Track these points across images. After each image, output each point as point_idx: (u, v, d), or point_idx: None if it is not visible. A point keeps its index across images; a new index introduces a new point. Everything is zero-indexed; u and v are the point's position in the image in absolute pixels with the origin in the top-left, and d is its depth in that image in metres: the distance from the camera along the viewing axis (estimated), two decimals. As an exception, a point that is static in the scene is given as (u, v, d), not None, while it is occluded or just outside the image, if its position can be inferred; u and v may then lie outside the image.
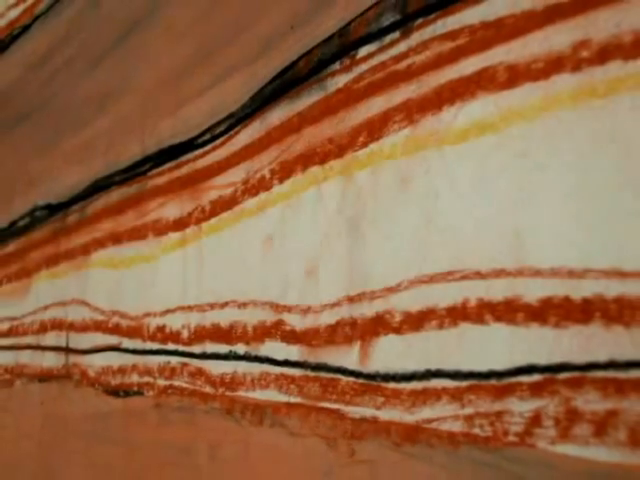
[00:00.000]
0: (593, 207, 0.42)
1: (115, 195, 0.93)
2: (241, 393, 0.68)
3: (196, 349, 0.75)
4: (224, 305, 0.71)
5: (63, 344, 0.99)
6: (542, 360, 0.44)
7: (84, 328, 0.95)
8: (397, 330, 0.53)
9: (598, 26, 0.43)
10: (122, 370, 0.87)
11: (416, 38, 0.55)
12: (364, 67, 0.59)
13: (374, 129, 0.57)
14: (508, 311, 0.46)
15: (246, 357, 0.68)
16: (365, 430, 0.55)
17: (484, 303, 0.47)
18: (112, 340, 0.89)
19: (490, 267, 0.47)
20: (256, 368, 0.66)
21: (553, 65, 0.45)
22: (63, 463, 0.97)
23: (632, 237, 0.40)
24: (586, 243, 0.42)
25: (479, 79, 0.49)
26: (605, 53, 0.43)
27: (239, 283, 0.70)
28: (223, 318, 0.71)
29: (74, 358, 0.97)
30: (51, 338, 1.03)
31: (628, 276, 0.40)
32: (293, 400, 0.62)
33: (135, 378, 0.84)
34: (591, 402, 0.41)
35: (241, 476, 0.67)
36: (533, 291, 0.45)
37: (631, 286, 0.40)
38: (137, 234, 0.87)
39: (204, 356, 0.73)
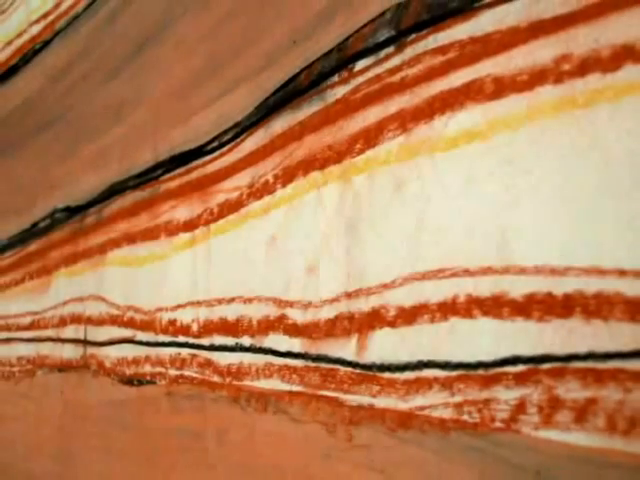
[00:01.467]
0: (574, 209, 0.42)
1: (129, 198, 0.93)
2: (247, 382, 0.68)
3: (205, 341, 0.75)
4: (231, 300, 0.71)
5: (81, 337, 0.99)
6: (526, 351, 0.44)
7: (101, 322, 0.95)
8: (392, 324, 0.53)
9: (578, 41, 0.43)
10: (136, 361, 0.87)
11: (409, 52, 0.55)
12: (361, 79, 0.59)
13: (370, 137, 0.57)
14: (495, 306, 0.46)
15: (251, 349, 0.68)
16: (362, 417, 0.55)
17: (472, 299, 0.47)
18: (127, 333, 0.89)
19: (478, 265, 0.47)
20: (260, 359, 0.66)
21: (537, 77, 0.45)
22: (81, 446, 0.97)
23: (610, 237, 0.40)
24: (567, 243, 0.42)
25: (468, 90, 0.49)
26: (585, 66, 0.43)
27: (245, 280, 0.70)
28: (230, 312, 0.71)
29: (91, 350, 0.97)
30: (70, 331, 1.02)
31: (607, 273, 0.40)
32: (295, 389, 0.62)
33: (148, 368, 0.84)
34: (572, 391, 0.41)
35: (246, 459, 0.67)
36: (518, 287, 0.45)
37: (609, 283, 0.40)
38: (150, 234, 0.87)
39: (212, 348, 0.73)
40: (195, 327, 0.76)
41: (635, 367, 0.39)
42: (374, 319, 0.54)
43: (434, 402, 0.49)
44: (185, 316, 0.78)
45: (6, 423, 1.18)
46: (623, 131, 0.40)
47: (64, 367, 1.03)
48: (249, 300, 0.69)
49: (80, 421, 0.98)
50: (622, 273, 0.39)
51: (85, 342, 0.98)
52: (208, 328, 0.74)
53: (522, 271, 0.44)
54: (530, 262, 0.44)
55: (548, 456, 0.42)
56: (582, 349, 0.41)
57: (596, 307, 0.40)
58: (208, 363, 0.74)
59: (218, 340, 0.72)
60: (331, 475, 0.58)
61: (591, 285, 0.41)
